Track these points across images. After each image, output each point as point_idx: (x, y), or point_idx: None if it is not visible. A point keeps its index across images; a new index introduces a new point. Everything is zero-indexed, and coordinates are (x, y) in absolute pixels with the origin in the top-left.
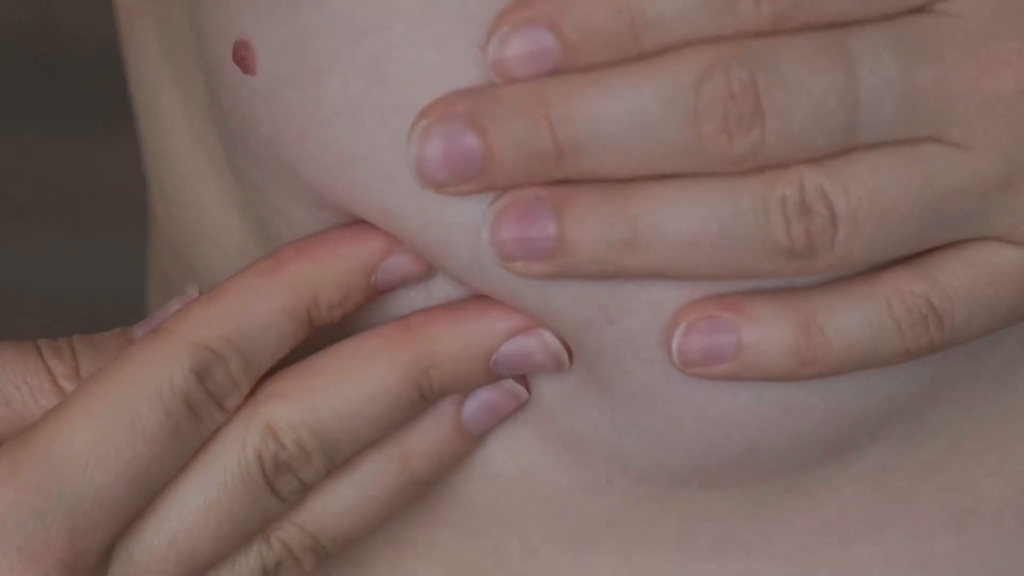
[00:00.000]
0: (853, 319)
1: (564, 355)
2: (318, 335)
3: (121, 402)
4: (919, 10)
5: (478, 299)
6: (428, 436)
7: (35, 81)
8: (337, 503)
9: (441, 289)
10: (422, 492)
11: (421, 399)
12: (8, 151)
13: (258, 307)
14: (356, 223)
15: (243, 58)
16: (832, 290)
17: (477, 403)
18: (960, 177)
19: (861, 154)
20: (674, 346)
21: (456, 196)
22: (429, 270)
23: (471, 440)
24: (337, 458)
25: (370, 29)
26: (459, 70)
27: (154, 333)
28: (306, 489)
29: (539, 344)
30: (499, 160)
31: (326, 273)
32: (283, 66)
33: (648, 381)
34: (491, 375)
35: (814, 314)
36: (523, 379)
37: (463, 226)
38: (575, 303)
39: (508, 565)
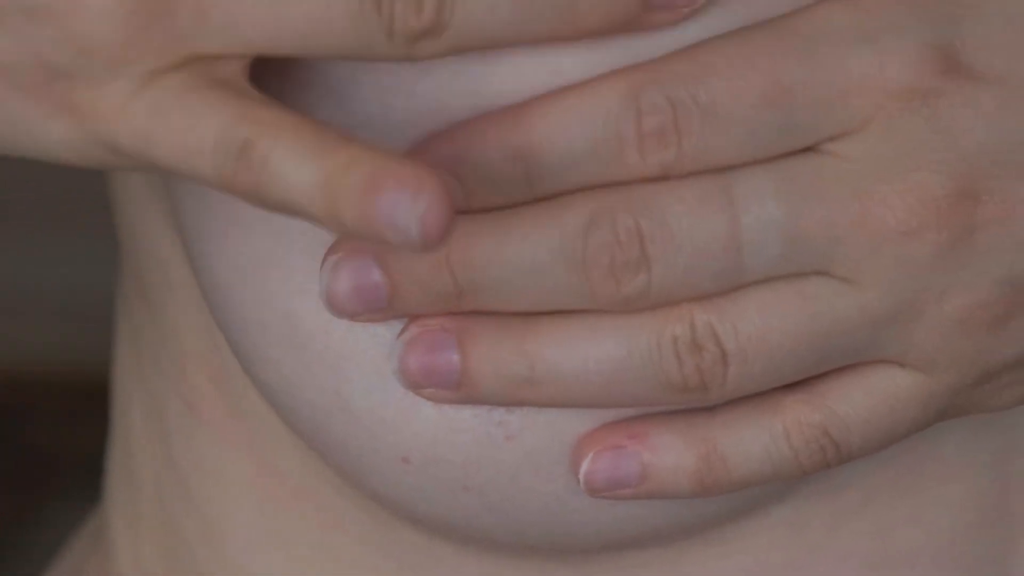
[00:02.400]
0: (753, 448)
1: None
2: None
3: None
4: (807, 150)
5: None
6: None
7: None
8: None
9: None
10: None
11: None
12: None
13: None
14: None
15: None
16: (732, 418)
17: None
18: (848, 311)
19: (750, 291)
20: (581, 474)
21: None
22: None
23: None
24: None
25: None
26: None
27: None
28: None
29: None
30: (403, 296)
31: None
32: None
33: (550, 495)
34: None
35: (715, 443)
36: None
37: (369, 338)
38: (473, 417)
39: None
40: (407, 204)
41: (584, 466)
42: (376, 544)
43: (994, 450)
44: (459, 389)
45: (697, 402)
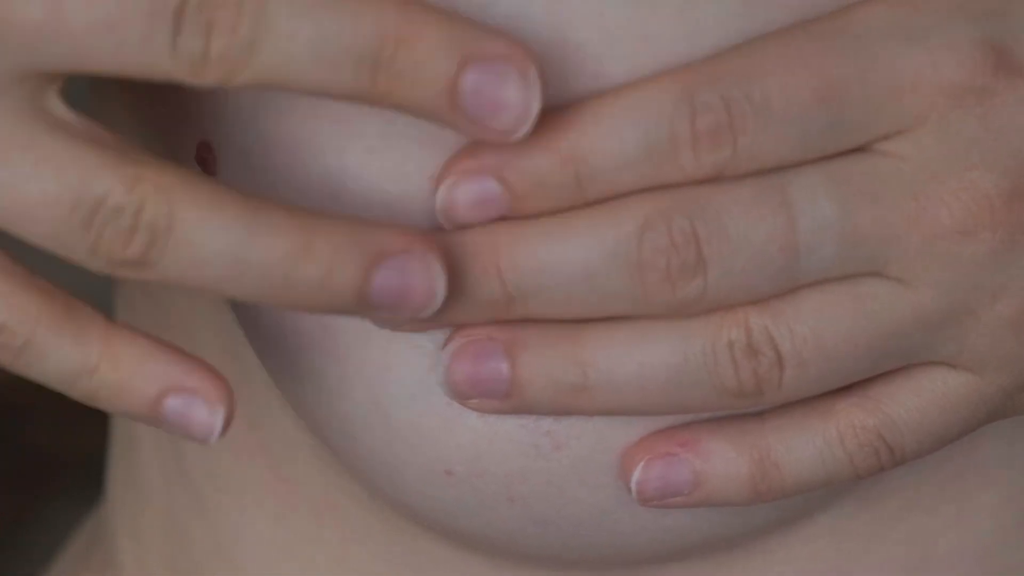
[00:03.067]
0: (807, 453)
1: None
2: None
3: None
4: (860, 150)
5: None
6: (334, 246)
7: None
8: None
9: None
10: None
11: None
12: None
13: None
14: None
15: (204, 159)
16: (785, 423)
17: (394, 266)
18: (903, 313)
19: (804, 293)
20: (633, 483)
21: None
22: None
23: (364, 304)
24: (260, 56)
25: (328, 147)
26: (413, 198)
27: None
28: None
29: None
30: (452, 303)
31: None
32: (242, 171)
33: (597, 506)
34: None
35: (768, 450)
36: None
37: (409, 349)
38: (520, 430)
39: None
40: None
41: (636, 475)
42: (399, 559)
43: None
44: (507, 399)
45: (751, 406)
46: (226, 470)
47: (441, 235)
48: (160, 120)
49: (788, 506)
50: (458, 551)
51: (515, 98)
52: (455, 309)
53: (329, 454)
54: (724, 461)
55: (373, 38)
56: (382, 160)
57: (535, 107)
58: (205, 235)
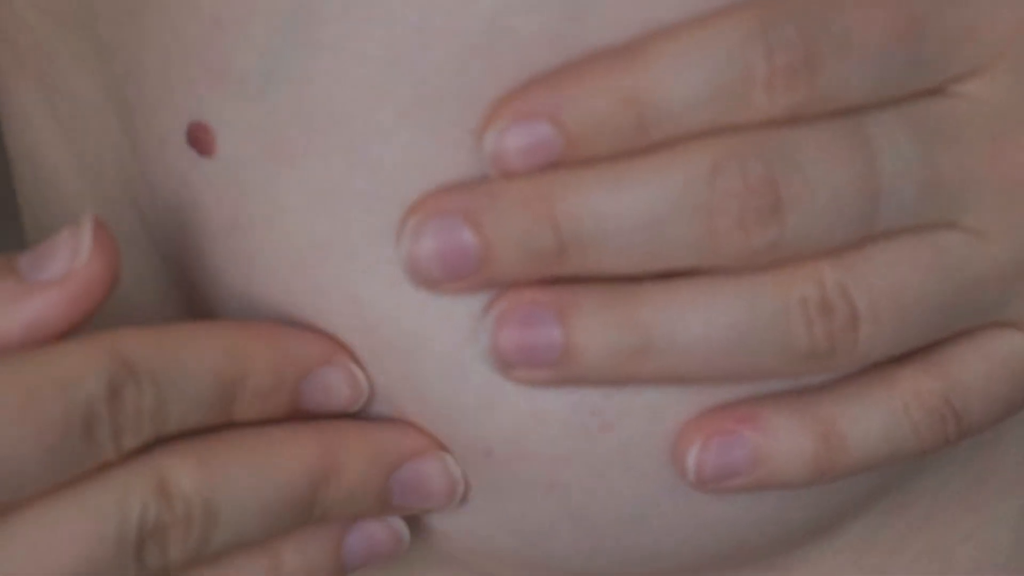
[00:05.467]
0: (873, 425)
1: (461, 486)
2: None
3: (25, 378)
4: (934, 92)
5: (390, 421)
6: (303, 554)
7: None
8: None
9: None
10: None
11: (310, 509)
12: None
13: (189, 358)
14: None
15: (198, 139)
16: (849, 394)
17: (361, 536)
18: (979, 265)
19: (879, 247)
20: (690, 463)
21: (448, 293)
22: (357, 399)
23: (341, 574)
24: (211, 545)
25: (355, 113)
26: (452, 156)
27: (85, 335)
28: (164, 572)
29: (439, 467)
30: (497, 257)
31: (263, 355)
32: (248, 149)
33: (640, 497)
34: (384, 501)
35: (833, 423)
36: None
37: (443, 320)
38: (566, 409)
39: None
40: None
41: (692, 454)
42: None
43: None
44: (557, 367)
45: (821, 370)
46: None
47: (488, 184)
48: (141, 102)
49: (826, 509)
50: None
51: (439, 486)
52: (503, 261)
53: None
54: (787, 437)
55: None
56: (415, 120)
57: (460, 489)
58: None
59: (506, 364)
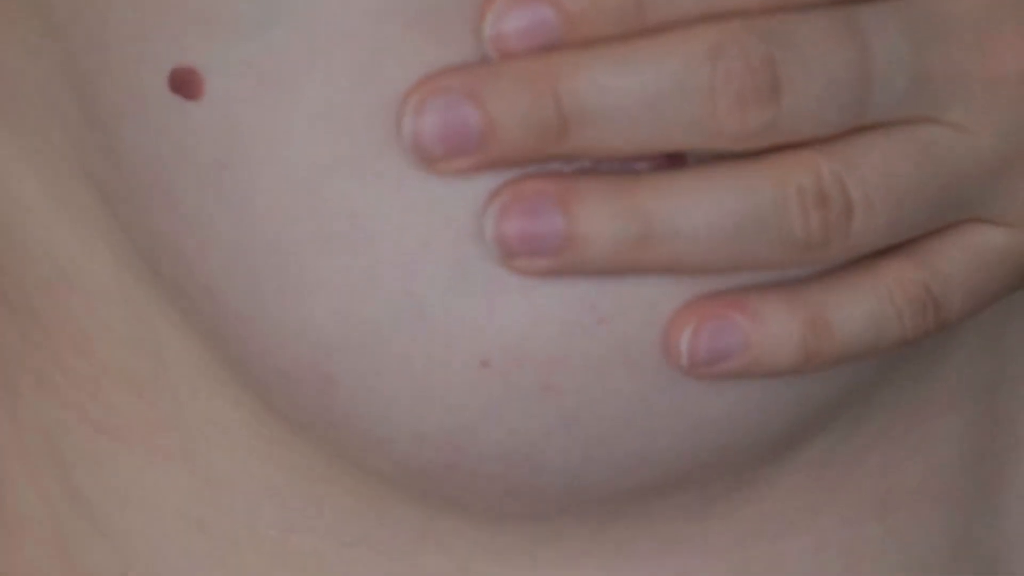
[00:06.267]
0: (858, 311)
1: None
2: None
3: None
4: None
5: None
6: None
7: None
8: None
9: None
10: None
11: None
12: None
13: None
14: None
15: (184, 83)
16: (836, 282)
17: None
18: (964, 159)
19: (870, 139)
20: (683, 346)
21: (448, 174)
22: None
23: None
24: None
25: (358, 31)
26: (460, 60)
27: None
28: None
29: None
30: (499, 133)
31: None
32: (242, 85)
33: (636, 394)
34: None
35: (821, 309)
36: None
37: (444, 226)
38: (563, 303)
39: None
40: None
41: (685, 337)
42: (363, 543)
43: (987, 377)
44: (560, 256)
45: (814, 261)
46: (134, 486)
47: (487, 64)
48: (106, 66)
49: (801, 414)
50: (423, 511)
51: None
52: (505, 137)
53: (274, 433)
54: (776, 322)
55: None
56: (422, 30)
57: None
58: None
59: (509, 253)
